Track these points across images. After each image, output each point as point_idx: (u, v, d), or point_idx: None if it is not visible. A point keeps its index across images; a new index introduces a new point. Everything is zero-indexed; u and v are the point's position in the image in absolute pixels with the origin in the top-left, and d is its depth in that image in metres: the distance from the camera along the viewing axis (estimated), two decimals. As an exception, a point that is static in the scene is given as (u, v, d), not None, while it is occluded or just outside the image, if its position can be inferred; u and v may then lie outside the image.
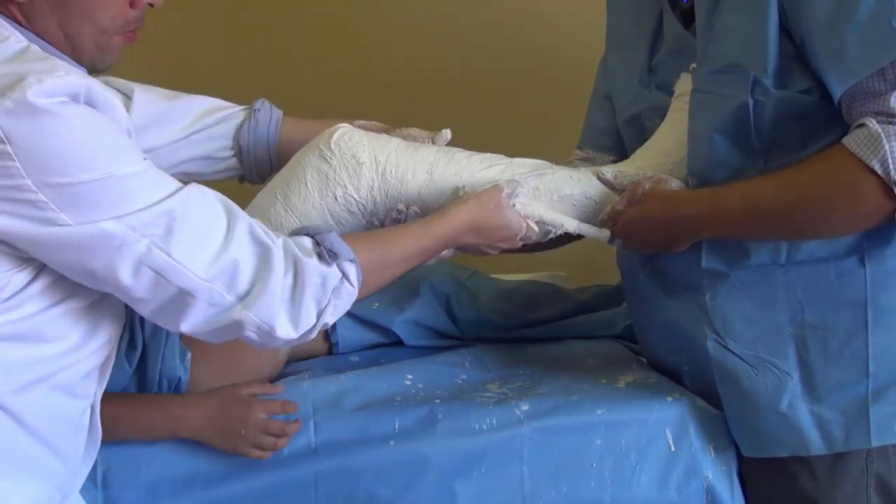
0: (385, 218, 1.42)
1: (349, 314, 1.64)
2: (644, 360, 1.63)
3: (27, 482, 1.09)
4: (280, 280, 1.11)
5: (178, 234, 1.05)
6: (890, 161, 1.19)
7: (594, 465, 1.39)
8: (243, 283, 1.09)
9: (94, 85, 1.05)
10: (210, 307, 1.09)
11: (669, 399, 1.45)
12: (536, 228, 1.37)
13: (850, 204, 1.24)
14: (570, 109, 2.17)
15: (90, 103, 1.03)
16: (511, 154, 1.49)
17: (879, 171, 1.19)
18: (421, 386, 1.50)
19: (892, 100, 1.20)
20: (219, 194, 1.12)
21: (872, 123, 1.21)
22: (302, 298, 1.12)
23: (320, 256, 1.15)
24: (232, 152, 1.48)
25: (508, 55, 2.28)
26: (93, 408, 1.20)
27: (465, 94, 2.30)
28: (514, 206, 1.35)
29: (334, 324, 1.63)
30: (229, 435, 1.35)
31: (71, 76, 1.02)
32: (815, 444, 1.35)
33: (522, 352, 1.64)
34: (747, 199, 1.30)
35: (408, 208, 1.40)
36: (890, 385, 1.33)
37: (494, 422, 1.39)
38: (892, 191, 1.19)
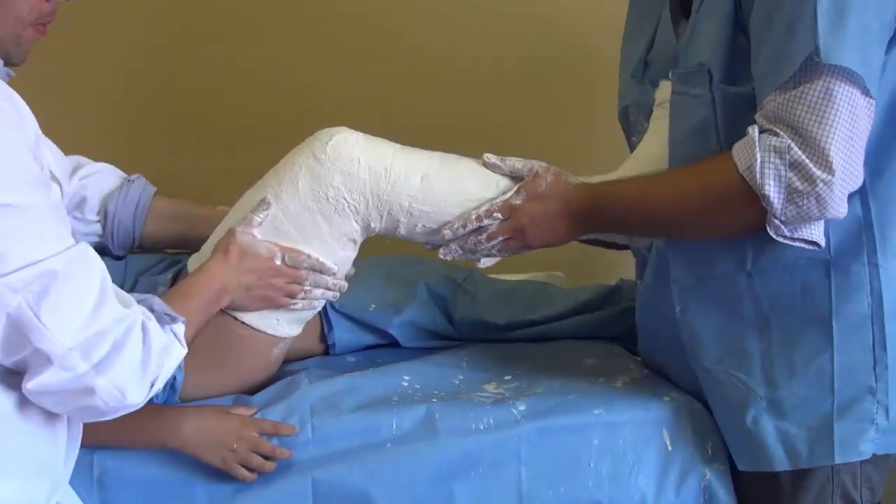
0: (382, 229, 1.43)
1: (346, 316, 1.65)
2: (641, 360, 1.63)
3: (10, 476, 1.09)
4: (135, 348, 1.09)
5: (51, 297, 1.02)
6: (758, 170, 1.20)
7: (592, 464, 1.39)
8: (101, 352, 1.06)
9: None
10: (63, 372, 1.04)
11: (666, 399, 1.45)
12: (302, 253, 1.40)
13: (721, 207, 1.25)
14: (579, 108, 2.19)
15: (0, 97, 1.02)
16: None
17: (747, 179, 1.20)
18: (418, 387, 1.49)
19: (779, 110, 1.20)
20: (99, 259, 1.10)
21: (752, 130, 1.22)
22: (148, 364, 1.10)
23: (159, 321, 1.14)
24: (98, 217, 1.50)
25: (516, 54, 2.28)
26: None
27: (470, 92, 2.30)
28: (255, 235, 1.39)
29: (331, 325, 1.64)
30: (219, 448, 1.34)
31: None
32: (779, 461, 1.34)
33: (520, 352, 1.64)
34: (641, 196, 1.32)
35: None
36: (854, 402, 1.31)
37: (492, 422, 1.39)
38: (758, 199, 1.20)
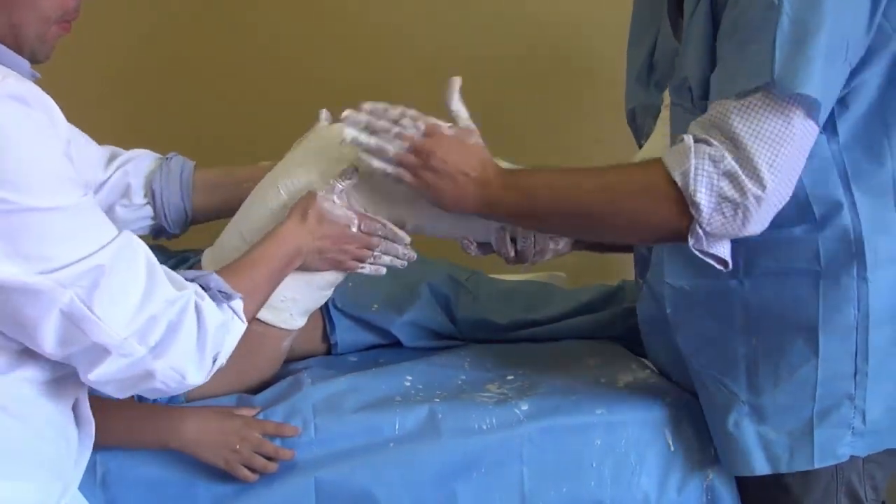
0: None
1: (348, 316, 1.65)
2: (643, 360, 1.63)
3: (25, 478, 1.09)
4: (189, 329, 1.10)
5: (102, 289, 1.04)
6: (691, 176, 1.18)
7: (594, 465, 1.39)
8: (156, 335, 1.08)
9: (34, 87, 1.04)
10: (122, 359, 1.06)
11: (668, 399, 1.45)
12: (378, 221, 1.41)
13: (648, 212, 1.24)
14: (582, 109, 2.19)
15: (34, 106, 1.03)
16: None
17: (679, 184, 1.19)
18: (420, 387, 1.49)
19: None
20: (143, 245, 1.11)
21: (688, 138, 1.20)
22: (206, 343, 1.12)
23: (214, 299, 1.15)
24: (146, 200, 1.50)
25: (520, 54, 2.28)
26: (77, 400, 1.19)
27: (474, 91, 2.30)
28: (335, 202, 1.39)
29: (333, 325, 1.64)
30: (222, 449, 1.34)
31: (9, 78, 1.01)
32: (760, 464, 1.34)
33: (522, 352, 1.64)
34: (563, 174, 1.30)
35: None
36: (834, 408, 1.31)
37: (494, 422, 1.39)
38: (688, 206, 1.19)
